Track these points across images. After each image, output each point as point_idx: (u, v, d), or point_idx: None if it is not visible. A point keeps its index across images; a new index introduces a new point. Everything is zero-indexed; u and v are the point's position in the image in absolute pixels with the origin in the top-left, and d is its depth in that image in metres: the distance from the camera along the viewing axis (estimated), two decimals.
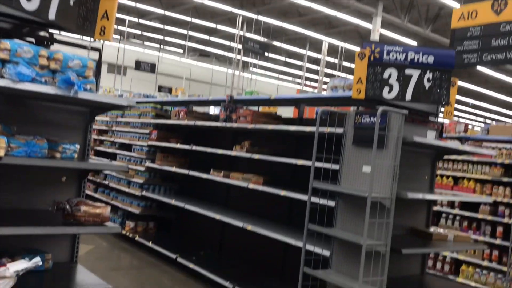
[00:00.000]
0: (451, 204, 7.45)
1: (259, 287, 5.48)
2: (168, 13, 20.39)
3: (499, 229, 6.96)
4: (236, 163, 6.91)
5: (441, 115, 5.08)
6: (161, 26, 23.66)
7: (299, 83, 29.95)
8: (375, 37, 14.85)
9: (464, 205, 7.37)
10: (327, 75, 22.55)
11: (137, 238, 7.57)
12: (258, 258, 6.25)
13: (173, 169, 7.19)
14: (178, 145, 7.17)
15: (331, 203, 4.45)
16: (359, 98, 4.39)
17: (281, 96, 5.57)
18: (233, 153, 5.94)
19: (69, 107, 3.11)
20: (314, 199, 4.57)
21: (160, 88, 9.09)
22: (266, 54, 14.08)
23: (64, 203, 2.68)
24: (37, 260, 2.46)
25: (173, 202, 6.87)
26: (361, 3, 15.38)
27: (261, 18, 19.49)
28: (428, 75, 4.35)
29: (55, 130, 3.04)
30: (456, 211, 7.43)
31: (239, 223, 5.56)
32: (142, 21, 22.67)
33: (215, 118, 7.17)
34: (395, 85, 4.39)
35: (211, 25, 22.07)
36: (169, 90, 9.68)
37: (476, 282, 7.00)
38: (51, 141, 2.70)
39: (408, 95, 4.34)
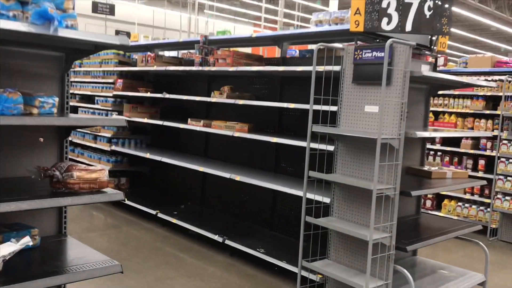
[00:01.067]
0: (431, 140, 7.37)
1: (251, 238, 5.24)
2: None
3: (481, 162, 6.95)
4: (213, 111, 6.48)
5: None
6: None
7: (257, 24, 29.00)
8: None
9: (446, 141, 7.30)
10: (286, 15, 21.83)
11: None
12: (244, 209, 5.98)
13: (145, 120, 6.68)
14: (148, 94, 6.63)
15: (329, 148, 4.16)
16: (358, 31, 4.00)
17: (264, 33, 5.10)
18: (213, 99, 5.49)
19: (40, 52, 2.56)
20: (298, 143, 4.27)
21: (118, 33, 8.26)
22: None
23: (52, 169, 2.21)
24: (26, 241, 2.03)
25: (148, 155, 6.42)
26: None
27: None
28: (429, 2, 4.00)
29: (26, 81, 2.50)
30: (437, 146, 7.37)
31: (225, 174, 5.22)
32: None
33: (189, 63, 6.64)
34: (394, 16, 4.02)
35: None
36: (128, 35, 8.90)
37: (458, 216, 7.06)
38: (25, 95, 2.19)
39: (408, 26, 3.98)
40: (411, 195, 3.70)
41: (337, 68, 4.09)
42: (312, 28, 4.56)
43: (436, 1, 4.00)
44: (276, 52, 7.81)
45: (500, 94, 6.66)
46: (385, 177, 3.65)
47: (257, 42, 5.58)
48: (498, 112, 6.68)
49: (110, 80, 7.42)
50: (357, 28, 3.99)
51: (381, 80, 3.65)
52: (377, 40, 4.29)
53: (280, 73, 5.19)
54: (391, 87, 3.70)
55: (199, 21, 23.92)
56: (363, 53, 3.88)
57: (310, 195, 4.13)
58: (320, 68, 4.08)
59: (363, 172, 3.90)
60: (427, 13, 4.01)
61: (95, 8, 11.18)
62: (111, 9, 10.42)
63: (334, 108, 4.13)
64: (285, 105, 4.63)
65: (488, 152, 6.80)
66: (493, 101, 7.04)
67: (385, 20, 4.04)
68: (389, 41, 3.48)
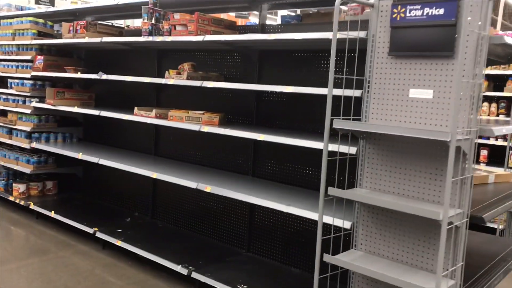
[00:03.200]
0: None
1: (225, 266, 3.91)
2: None
3: (483, 153, 5.97)
4: (167, 97, 5.01)
5: None
6: None
7: None
8: None
9: None
10: None
11: (32, 205, 5.51)
12: (212, 222, 4.62)
13: (75, 109, 5.09)
14: (79, 75, 5.04)
15: (351, 151, 2.88)
16: None
17: None
18: (169, 81, 4.04)
19: None
20: (308, 144, 2.98)
21: (39, 0, 6.59)
22: None
23: None
24: None
25: (80, 156, 4.87)
26: None
27: None
28: None
29: None
30: None
31: (190, 183, 3.81)
32: None
33: (132, 32, 5.11)
34: None
35: None
36: (51, 3, 7.18)
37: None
38: None
39: None
40: (485, 221, 2.50)
41: (362, 34, 2.80)
42: None
43: None
44: (240, 22, 6.42)
45: (506, 72, 5.66)
46: (457, 198, 2.42)
47: (228, 4, 4.15)
48: (505, 93, 5.68)
49: (28, 57, 5.72)
50: None
51: (440, 51, 2.41)
52: None
53: (261, 45, 3.83)
54: (457, 61, 2.45)
55: None
56: (408, 11, 2.60)
57: (312, 215, 2.84)
58: (326, 36, 2.77)
59: (405, 186, 2.66)
60: None
61: None
62: None
63: (357, 93, 2.84)
64: (278, 88, 3.27)
65: (492, 141, 5.81)
66: (495, 81, 6.04)
67: None
68: None
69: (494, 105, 5.87)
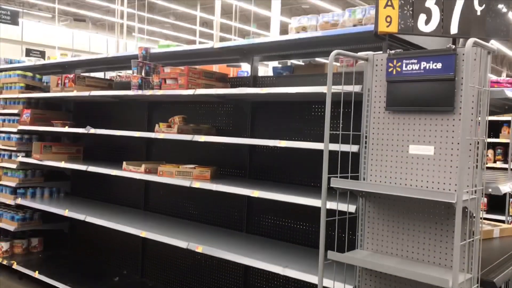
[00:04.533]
0: None
1: None
2: None
3: None
4: (156, 150, 4.88)
5: None
6: None
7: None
8: None
9: None
10: (222, 39, 20.61)
11: (15, 265, 5.24)
12: (205, 281, 4.38)
13: (62, 164, 4.93)
14: (67, 129, 4.91)
15: (350, 209, 2.73)
16: (390, 31, 2.67)
17: (231, 43, 3.62)
18: (159, 135, 3.91)
19: None
20: (305, 201, 2.84)
21: (29, 52, 6.56)
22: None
23: None
24: None
25: (66, 213, 4.67)
26: None
27: None
28: None
29: None
30: None
31: (180, 242, 3.62)
32: None
33: (122, 85, 5.03)
34: (435, 12, 2.74)
35: None
36: (42, 54, 7.13)
37: None
38: None
39: (454, 26, 2.70)
40: (496, 286, 2.33)
41: (357, 88, 2.71)
42: (310, 33, 3.15)
43: None
44: (232, 72, 6.40)
45: (501, 118, 5.61)
46: (465, 261, 2.26)
47: (219, 57, 4.09)
48: (501, 140, 5.61)
49: (15, 111, 5.60)
50: (389, 27, 2.64)
51: (439, 106, 2.32)
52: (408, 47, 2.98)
53: (253, 97, 3.74)
54: (455, 116, 2.35)
55: (128, 46, 22.15)
56: (404, 65, 2.52)
57: (311, 278, 2.65)
58: (336, 89, 2.67)
59: (409, 248, 2.50)
60: (478, 9, 2.76)
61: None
62: (13, 17, 8.26)
63: (355, 149, 2.72)
64: (271, 142, 3.15)
65: None
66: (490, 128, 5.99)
67: (422, 17, 2.75)
68: (470, 41, 2.13)
69: (490, 151, 5.79)
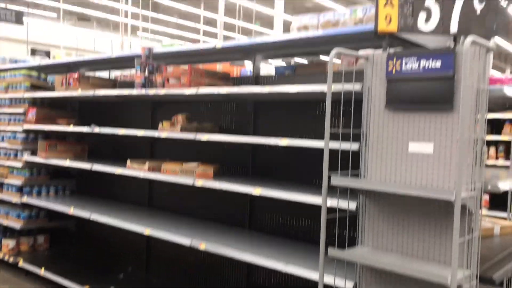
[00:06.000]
0: None
1: None
2: None
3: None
4: (160, 149, 4.93)
5: None
6: None
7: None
8: None
9: None
10: (226, 38, 20.62)
11: (21, 263, 5.31)
12: (209, 277, 4.42)
13: (67, 162, 4.99)
14: (71, 128, 4.96)
15: (351, 206, 2.76)
16: (389, 30, 2.69)
17: (234, 43, 3.66)
18: (162, 133, 3.96)
19: None
20: (306, 199, 2.87)
21: (34, 52, 6.63)
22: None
23: None
24: None
25: (71, 211, 4.72)
26: None
27: None
28: None
29: None
30: None
31: (183, 240, 3.67)
32: None
33: (126, 84, 5.07)
34: (434, 10, 2.76)
35: None
36: (47, 54, 7.21)
37: None
38: None
39: (454, 25, 2.72)
40: (495, 283, 2.36)
41: (357, 86, 2.74)
42: (311, 32, 3.18)
43: None
44: (235, 70, 6.42)
45: (504, 116, 5.61)
46: (464, 258, 2.29)
47: (222, 56, 4.13)
48: (503, 137, 5.62)
49: (20, 110, 5.66)
50: (389, 26, 2.67)
51: (439, 104, 2.35)
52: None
53: (256, 96, 3.78)
54: (454, 114, 2.38)
55: (133, 45, 22.20)
56: (403, 64, 2.55)
57: (312, 274, 2.68)
58: (337, 87, 2.70)
59: (408, 245, 2.53)
60: (478, 7, 2.78)
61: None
62: (17, 17, 8.37)
63: (355, 147, 2.75)
64: (272, 141, 3.19)
65: None
66: (493, 125, 6.00)
67: (422, 16, 2.77)
68: (469, 40, 2.16)
69: (493, 148, 5.80)
